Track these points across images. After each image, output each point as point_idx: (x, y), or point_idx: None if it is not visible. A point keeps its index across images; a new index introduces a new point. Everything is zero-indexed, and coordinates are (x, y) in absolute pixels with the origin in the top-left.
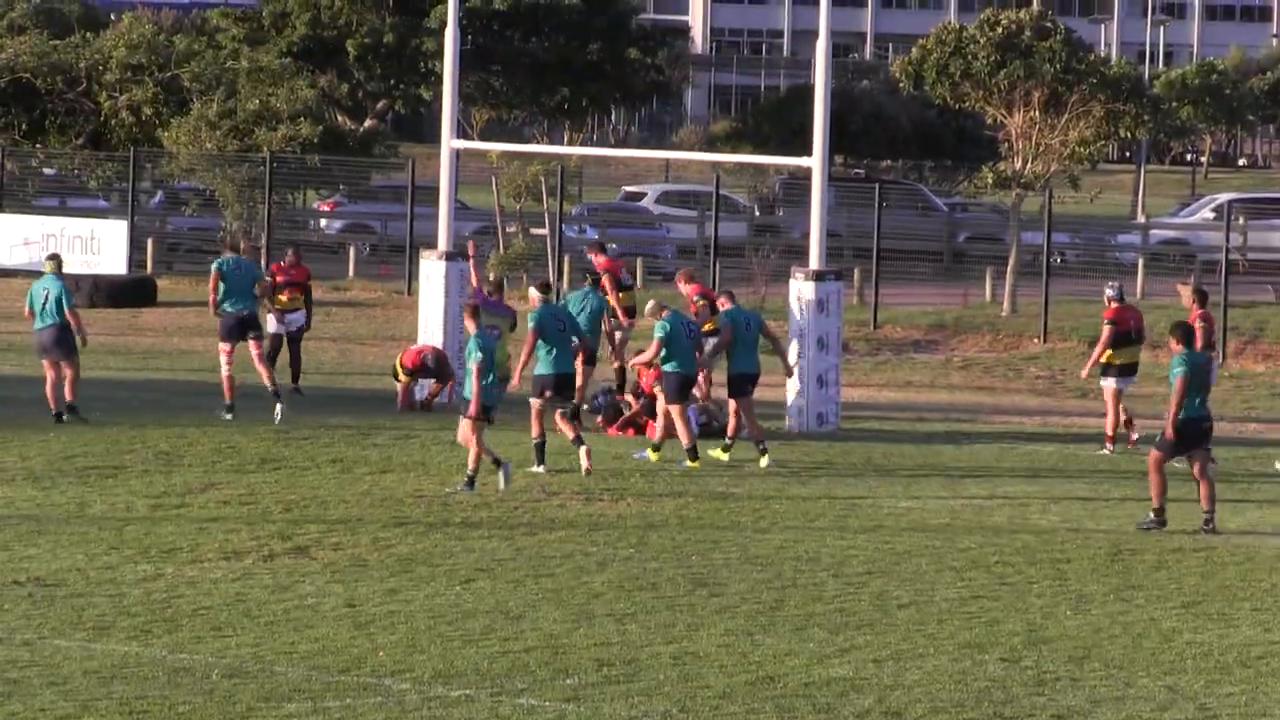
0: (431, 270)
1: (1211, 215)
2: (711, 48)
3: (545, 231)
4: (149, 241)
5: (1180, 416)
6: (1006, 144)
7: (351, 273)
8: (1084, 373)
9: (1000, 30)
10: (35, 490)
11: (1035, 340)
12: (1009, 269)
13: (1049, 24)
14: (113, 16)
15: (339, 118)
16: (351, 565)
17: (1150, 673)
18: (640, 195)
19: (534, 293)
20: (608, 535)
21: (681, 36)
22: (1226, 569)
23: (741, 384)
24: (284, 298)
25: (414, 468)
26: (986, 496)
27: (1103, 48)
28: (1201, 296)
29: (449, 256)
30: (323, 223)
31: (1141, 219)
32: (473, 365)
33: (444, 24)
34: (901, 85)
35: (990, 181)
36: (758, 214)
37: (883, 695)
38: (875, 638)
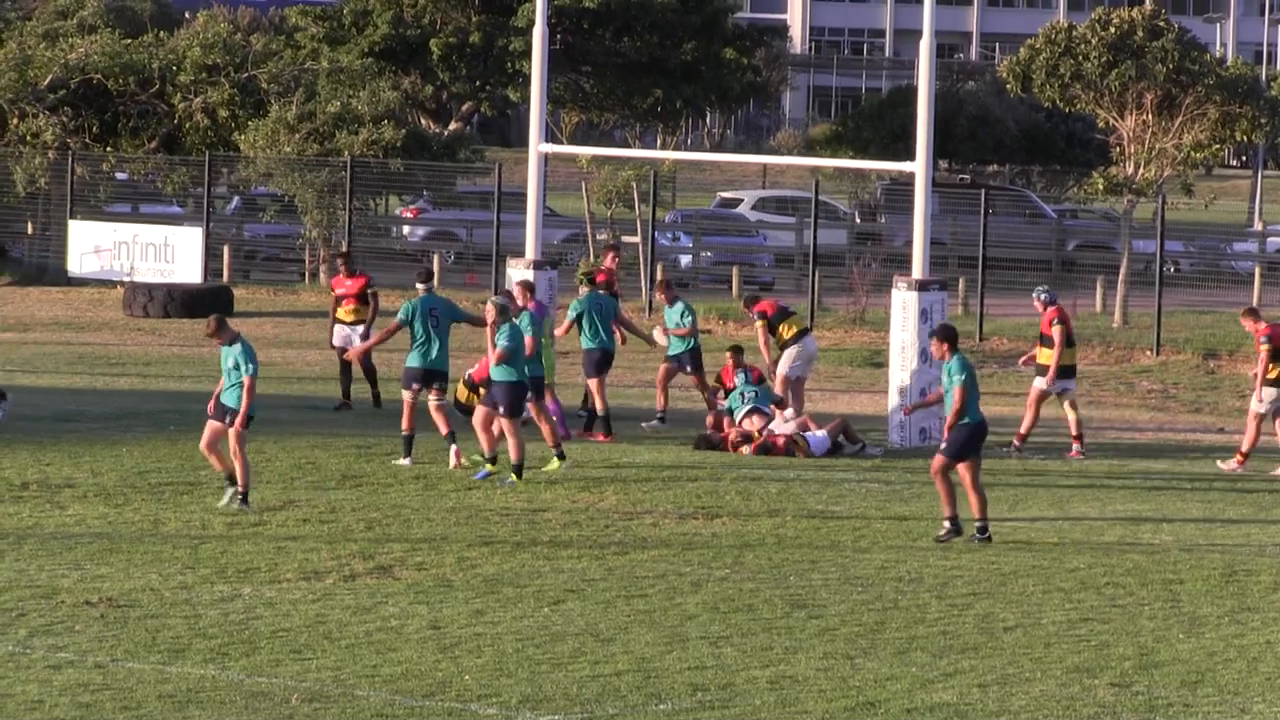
0: (519, 279)
1: None
2: (811, 48)
3: (637, 239)
4: (225, 249)
5: (966, 421)
6: (1118, 148)
7: (436, 281)
8: (1047, 383)
9: (1112, 30)
10: (107, 507)
11: (1148, 353)
12: (1120, 278)
13: (1162, 23)
14: (187, 15)
15: (422, 120)
16: (436, 585)
17: (1266, 698)
18: (736, 201)
19: (418, 285)
20: (702, 555)
21: (779, 36)
22: None
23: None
24: (343, 311)
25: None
26: (1096, 515)
27: (1217, 48)
28: None
29: (537, 265)
30: (405, 230)
31: (1258, 226)
32: (247, 379)
33: (532, 23)
34: (1008, 87)
35: (1101, 187)
36: (858, 221)
37: None
38: (980, 662)
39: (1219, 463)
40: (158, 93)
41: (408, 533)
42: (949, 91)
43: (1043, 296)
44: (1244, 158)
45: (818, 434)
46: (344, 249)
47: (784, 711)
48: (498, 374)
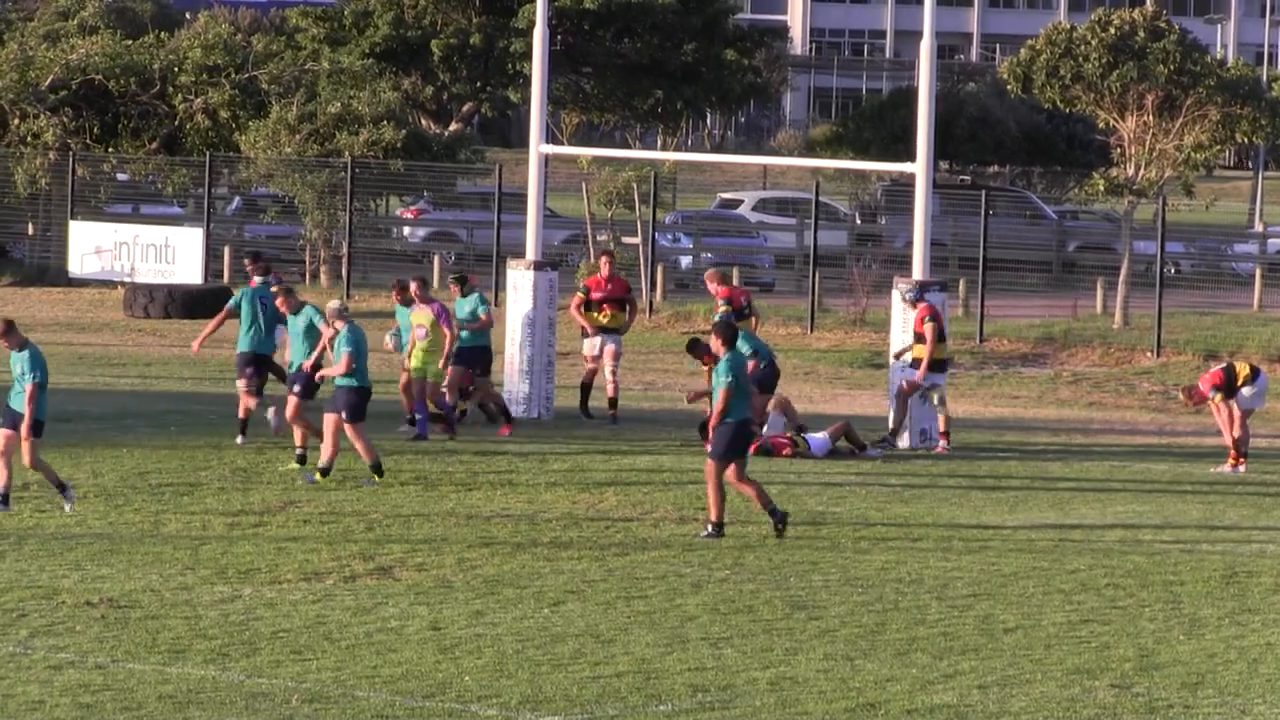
0: (519, 280)
1: None
2: (811, 49)
3: (637, 240)
4: (225, 250)
5: (733, 419)
6: (1119, 149)
7: (436, 283)
8: (920, 375)
9: (1113, 31)
10: (108, 508)
11: (1148, 354)
12: (1121, 279)
13: (1163, 24)
14: (188, 16)
15: (423, 121)
16: (436, 586)
17: (1266, 699)
18: (736, 202)
19: (254, 276)
20: (702, 556)
21: (780, 37)
22: None
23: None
24: None
25: (500, 485)
26: (1097, 517)
27: (1218, 49)
28: None
29: (537, 266)
30: (406, 231)
31: (1259, 227)
32: (29, 386)
33: (532, 24)
34: (1009, 88)
35: (1102, 188)
36: (859, 222)
37: None
38: (980, 663)
39: (1212, 468)
40: (158, 93)
41: (408, 534)
42: (949, 92)
43: (909, 296)
44: (1245, 159)
45: (818, 436)
46: (256, 250)
47: (784, 713)
48: (342, 379)
